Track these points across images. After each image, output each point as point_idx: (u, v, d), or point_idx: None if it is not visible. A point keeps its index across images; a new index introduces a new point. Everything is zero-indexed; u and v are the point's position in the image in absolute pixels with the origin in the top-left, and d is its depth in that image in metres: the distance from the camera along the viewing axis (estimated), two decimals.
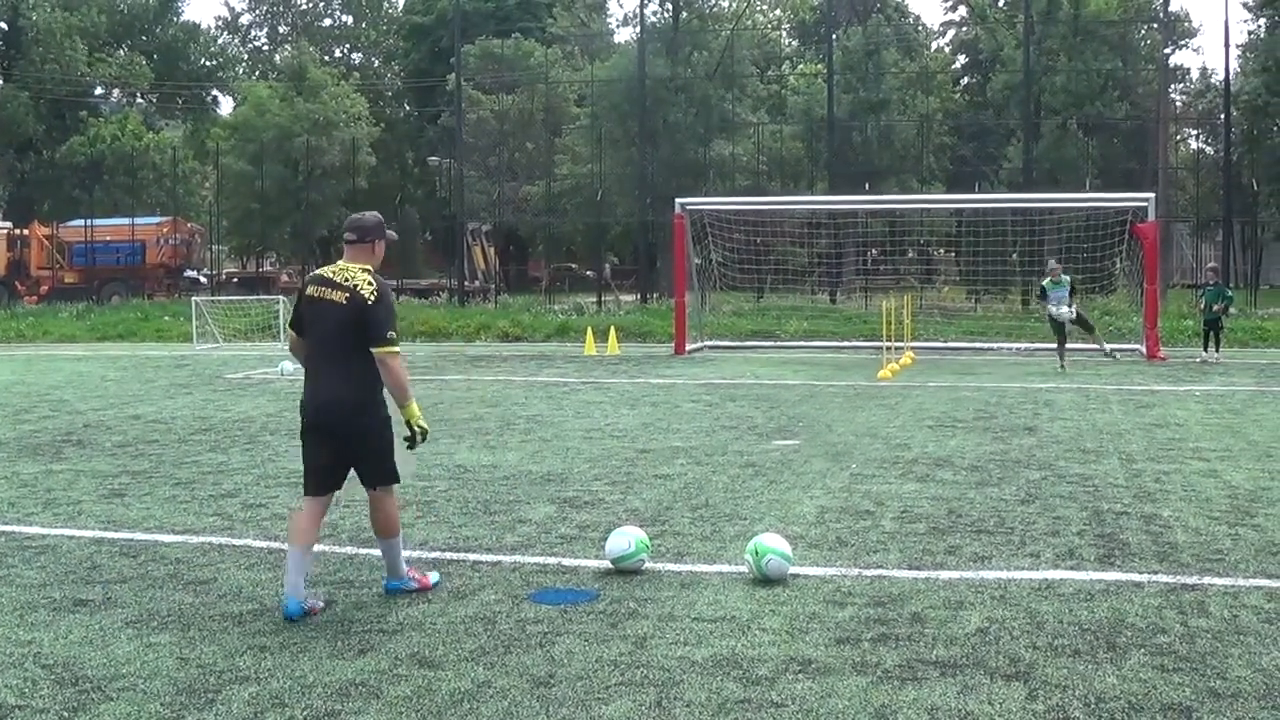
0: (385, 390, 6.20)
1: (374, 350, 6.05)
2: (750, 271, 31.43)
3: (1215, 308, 22.26)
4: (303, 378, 6.40)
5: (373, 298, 6.08)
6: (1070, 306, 20.95)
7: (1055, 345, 21.25)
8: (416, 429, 6.18)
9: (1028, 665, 5.22)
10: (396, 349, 6.12)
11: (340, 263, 6.33)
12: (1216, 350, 22.14)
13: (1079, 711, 4.70)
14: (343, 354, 6.12)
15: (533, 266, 59.82)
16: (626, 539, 6.82)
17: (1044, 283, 21.51)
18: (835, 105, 39.37)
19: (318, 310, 6.19)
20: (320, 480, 6.31)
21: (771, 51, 58.91)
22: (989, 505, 8.64)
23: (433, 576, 6.61)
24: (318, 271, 6.42)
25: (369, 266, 6.26)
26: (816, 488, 9.39)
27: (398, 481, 6.41)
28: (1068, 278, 21.39)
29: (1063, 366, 20.39)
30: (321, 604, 6.18)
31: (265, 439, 12.40)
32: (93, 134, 50.87)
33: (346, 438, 6.20)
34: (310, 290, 6.27)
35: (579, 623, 5.88)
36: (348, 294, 6.09)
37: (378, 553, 7.29)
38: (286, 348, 6.73)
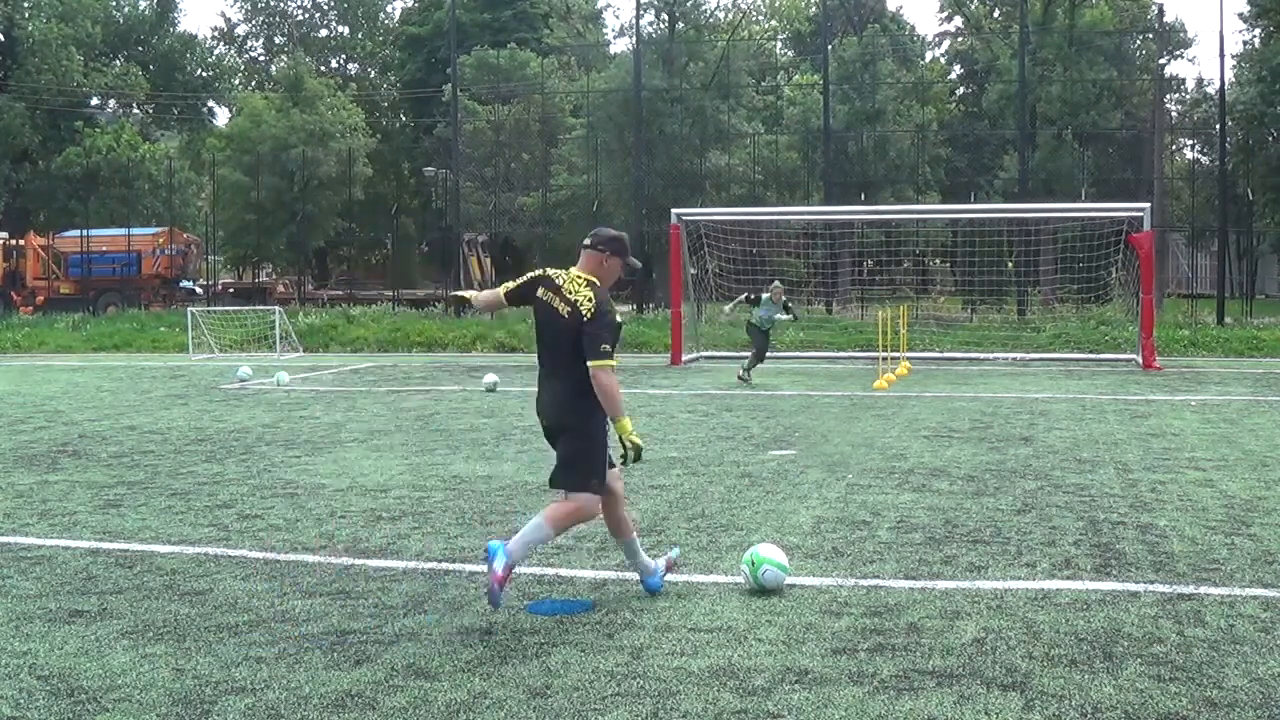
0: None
1: (588, 364, 6.15)
2: (746, 282, 31.38)
3: None
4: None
5: (590, 314, 6.20)
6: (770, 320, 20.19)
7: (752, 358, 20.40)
8: (629, 444, 6.16)
9: (1024, 675, 5.22)
10: (610, 363, 6.18)
11: (572, 270, 6.47)
12: None
13: None
14: (563, 364, 6.29)
15: None
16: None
17: (764, 296, 20.57)
18: (831, 116, 39.42)
19: (544, 313, 6.38)
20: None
21: (767, 62, 58.88)
22: (985, 515, 8.64)
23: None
24: (549, 272, 6.51)
25: (595, 280, 6.36)
26: (813, 498, 9.39)
27: (584, 490, 6.33)
28: (785, 300, 20.63)
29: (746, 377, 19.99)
30: (674, 555, 6.90)
31: (261, 449, 12.39)
32: (89, 144, 50.78)
33: (556, 437, 6.43)
34: (540, 292, 6.42)
35: (575, 633, 5.88)
36: (570, 309, 6.25)
37: (373, 563, 7.32)
38: (477, 296, 7.02)
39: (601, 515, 6.47)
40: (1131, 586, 6.67)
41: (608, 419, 6.27)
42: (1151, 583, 6.74)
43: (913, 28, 64.17)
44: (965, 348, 27.21)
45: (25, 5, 53.41)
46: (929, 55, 59.62)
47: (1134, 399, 17.16)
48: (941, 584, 6.76)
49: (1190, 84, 58.49)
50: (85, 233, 44.78)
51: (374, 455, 11.92)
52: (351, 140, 51.87)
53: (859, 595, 6.53)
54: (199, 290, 47.48)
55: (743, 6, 63.56)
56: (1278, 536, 7.90)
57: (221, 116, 65.04)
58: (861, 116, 43.36)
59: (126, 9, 60.91)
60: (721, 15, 57.34)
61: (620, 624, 6.02)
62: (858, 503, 9.17)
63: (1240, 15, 47.29)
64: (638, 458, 6.20)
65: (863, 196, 38.65)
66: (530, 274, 6.63)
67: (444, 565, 7.28)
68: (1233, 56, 49.76)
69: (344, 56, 76.40)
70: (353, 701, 4.97)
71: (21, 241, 45.79)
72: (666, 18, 47.58)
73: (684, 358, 25.18)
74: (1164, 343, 25.78)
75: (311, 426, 14.36)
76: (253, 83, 69.34)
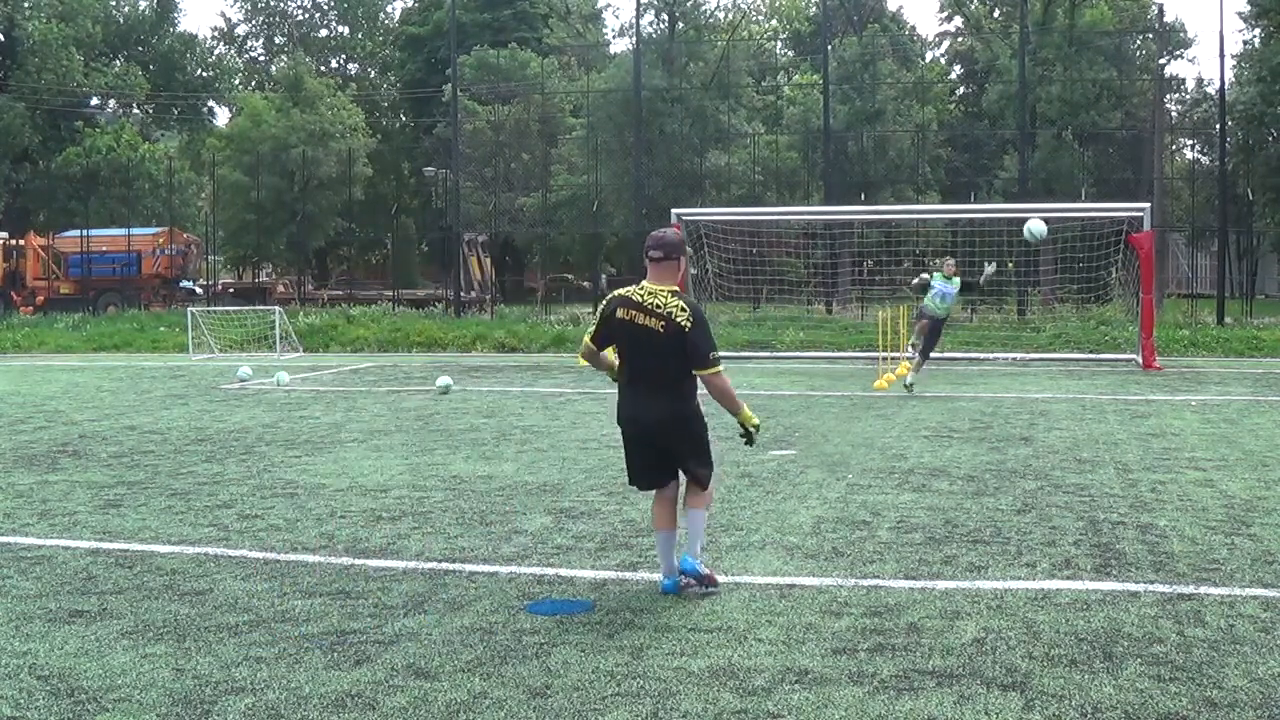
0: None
1: (698, 373, 6.36)
2: (746, 282, 31.43)
3: None
4: (618, 393, 6.68)
5: (689, 323, 6.29)
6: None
7: (918, 354, 19.20)
8: (751, 428, 6.61)
9: (1024, 675, 5.22)
10: (720, 368, 6.40)
11: (646, 284, 6.46)
12: None
13: None
14: (665, 378, 6.39)
15: (529, 277, 59.80)
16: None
17: (936, 274, 19.31)
18: (831, 116, 39.41)
19: (631, 334, 6.40)
20: (653, 480, 6.69)
21: (767, 62, 58.87)
22: (985, 515, 8.64)
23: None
24: (622, 293, 6.53)
25: (675, 288, 6.45)
26: (813, 498, 9.39)
27: (711, 471, 6.75)
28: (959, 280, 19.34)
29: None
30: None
31: (261, 449, 12.38)
32: (89, 144, 50.77)
33: (674, 447, 6.57)
34: (620, 314, 6.42)
35: (575, 633, 5.88)
36: (664, 322, 6.30)
37: (374, 563, 7.32)
38: (579, 356, 7.03)
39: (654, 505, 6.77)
40: (1131, 586, 6.67)
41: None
42: (1151, 583, 6.74)
43: (913, 28, 64.40)
44: (965, 348, 27.17)
45: (25, 5, 53.40)
46: (929, 55, 59.67)
47: (1134, 399, 17.15)
48: (941, 584, 6.76)
49: (1190, 84, 58.52)
50: (85, 233, 44.76)
51: (374, 455, 11.92)
52: (351, 140, 51.88)
53: (859, 595, 6.53)
54: (199, 290, 47.46)
55: (743, 6, 63.56)
56: (1278, 536, 7.90)
57: (221, 116, 65.12)
58: (861, 116, 43.35)
59: (126, 9, 60.92)
60: (721, 15, 57.32)
61: (620, 624, 6.02)
62: (858, 503, 9.17)
63: (1240, 15, 47.24)
64: (758, 433, 6.68)
65: (863, 196, 38.62)
66: (602, 308, 6.65)
67: (444, 565, 7.28)
68: (1233, 56, 49.76)
69: (344, 56, 76.41)
70: (353, 701, 4.97)
71: (21, 241, 45.79)
72: (666, 18, 47.59)
73: None
74: (1164, 343, 25.76)
75: (311, 426, 14.36)
76: (253, 83, 69.33)
